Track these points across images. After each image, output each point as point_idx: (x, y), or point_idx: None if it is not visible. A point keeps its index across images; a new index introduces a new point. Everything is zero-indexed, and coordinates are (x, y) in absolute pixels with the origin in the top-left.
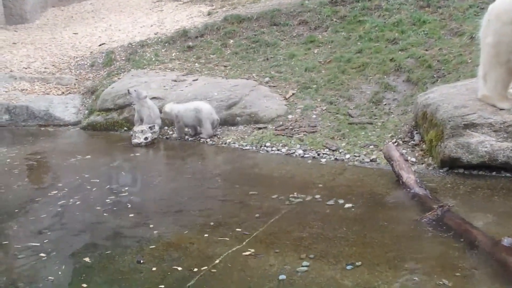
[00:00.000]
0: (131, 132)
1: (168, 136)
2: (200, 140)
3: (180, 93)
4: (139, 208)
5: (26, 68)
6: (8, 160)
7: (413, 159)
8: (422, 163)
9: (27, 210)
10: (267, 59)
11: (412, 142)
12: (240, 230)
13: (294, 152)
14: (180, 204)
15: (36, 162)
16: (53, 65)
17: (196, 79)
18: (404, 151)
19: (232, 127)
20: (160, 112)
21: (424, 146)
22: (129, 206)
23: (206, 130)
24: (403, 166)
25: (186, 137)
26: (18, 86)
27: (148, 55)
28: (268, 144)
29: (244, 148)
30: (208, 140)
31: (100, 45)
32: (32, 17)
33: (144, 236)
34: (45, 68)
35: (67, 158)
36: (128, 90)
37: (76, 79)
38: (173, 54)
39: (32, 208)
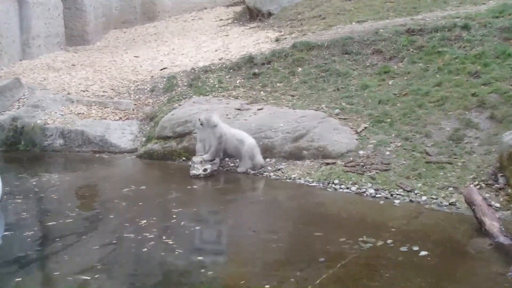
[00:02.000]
0: (190, 163)
1: (228, 168)
2: (263, 173)
3: (244, 122)
4: (194, 246)
5: (84, 91)
6: (60, 188)
7: (497, 205)
8: (508, 209)
9: (78, 241)
10: (338, 89)
11: (496, 185)
12: (303, 275)
13: (364, 191)
14: (238, 242)
15: (89, 190)
16: (112, 89)
17: (261, 108)
18: (487, 195)
19: (298, 161)
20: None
21: (510, 190)
22: (184, 243)
23: (244, 163)
24: (486, 212)
25: (249, 170)
26: (74, 109)
27: (211, 81)
28: (336, 181)
29: (310, 184)
30: (272, 174)
31: (161, 69)
32: (93, 38)
33: (198, 277)
34: (104, 91)
35: (121, 187)
36: (199, 119)
37: (135, 104)
38: (237, 81)
39: (83, 240)
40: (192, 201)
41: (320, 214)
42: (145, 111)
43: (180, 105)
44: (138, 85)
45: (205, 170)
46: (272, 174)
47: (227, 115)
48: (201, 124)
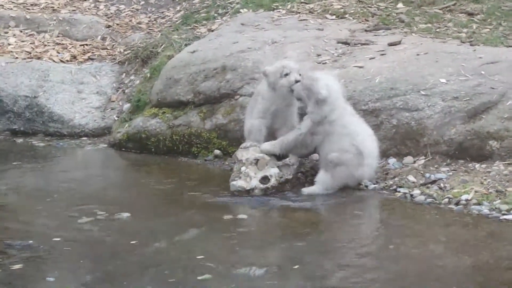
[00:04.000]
0: (232, 163)
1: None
2: (397, 191)
3: (356, 73)
4: None
5: None
6: None
7: None
8: None
9: None
10: None
11: None
12: None
13: None
14: None
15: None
16: None
17: (397, 42)
18: None
19: (477, 165)
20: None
21: None
22: None
23: (330, 183)
24: None
25: (366, 183)
26: None
27: None
28: None
29: (502, 217)
30: (416, 192)
31: None
32: None
33: None
34: None
35: (73, 214)
36: (284, 69)
37: (109, 26)
38: None
39: None
40: (233, 259)
41: None
42: (130, 43)
43: (211, 30)
44: None
45: (265, 180)
46: (416, 191)
47: (318, 55)
48: (290, 90)
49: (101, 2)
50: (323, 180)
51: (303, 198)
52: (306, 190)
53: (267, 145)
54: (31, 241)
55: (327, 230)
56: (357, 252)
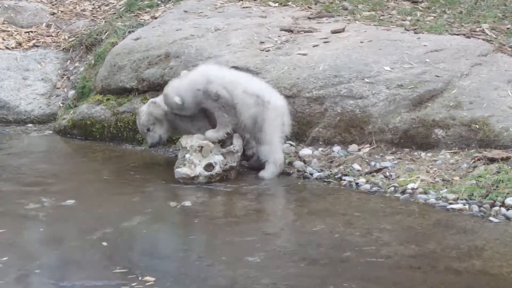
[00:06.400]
0: (177, 150)
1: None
2: (342, 179)
3: (299, 61)
4: None
5: None
6: None
7: None
8: None
9: None
10: None
11: None
12: None
13: None
14: None
15: None
16: None
17: (341, 30)
18: None
19: (423, 153)
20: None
21: None
22: None
23: (273, 153)
24: None
25: (311, 171)
26: None
27: None
28: (510, 200)
29: (449, 206)
30: (361, 180)
31: None
32: None
33: None
34: None
35: (19, 201)
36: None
37: (54, 13)
38: None
39: None
40: (178, 246)
41: (472, 274)
42: (74, 30)
43: (154, 17)
44: None
45: (210, 167)
46: (362, 180)
47: (262, 43)
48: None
49: None
50: (270, 157)
51: (247, 185)
52: (262, 174)
53: (211, 132)
54: None
55: (269, 218)
56: (299, 241)
